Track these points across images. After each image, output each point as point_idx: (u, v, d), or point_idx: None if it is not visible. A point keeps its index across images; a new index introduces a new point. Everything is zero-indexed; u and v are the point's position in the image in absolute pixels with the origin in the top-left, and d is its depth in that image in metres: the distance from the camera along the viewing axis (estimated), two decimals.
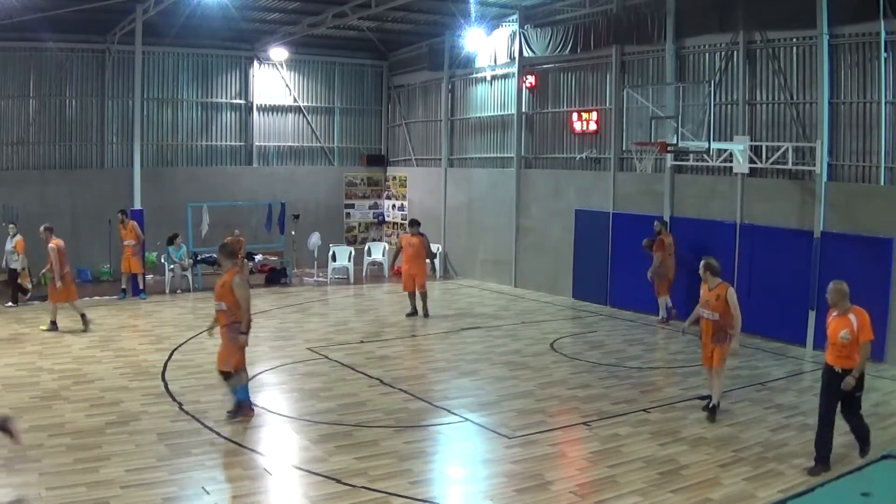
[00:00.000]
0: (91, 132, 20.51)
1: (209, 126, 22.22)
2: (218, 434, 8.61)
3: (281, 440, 8.76)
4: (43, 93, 19.97)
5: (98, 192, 19.83)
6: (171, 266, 18.71)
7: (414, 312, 15.79)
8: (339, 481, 7.39)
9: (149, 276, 18.87)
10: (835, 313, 7.72)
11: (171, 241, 18.77)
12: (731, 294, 9.06)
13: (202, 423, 8.89)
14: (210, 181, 21.55)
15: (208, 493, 7.08)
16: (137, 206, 18.52)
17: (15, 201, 18.73)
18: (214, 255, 18.78)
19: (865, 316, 7.59)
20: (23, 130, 19.78)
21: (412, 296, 15.89)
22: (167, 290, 18.38)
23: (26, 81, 19.78)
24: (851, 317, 7.52)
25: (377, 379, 11.11)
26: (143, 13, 17.79)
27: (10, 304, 16.10)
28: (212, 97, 22.16)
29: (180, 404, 9.64)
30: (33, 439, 8.25)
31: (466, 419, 9.42)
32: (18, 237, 16.10)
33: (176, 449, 8.11)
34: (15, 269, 16.18)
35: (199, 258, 19.17)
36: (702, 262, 9.36)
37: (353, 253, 21.39)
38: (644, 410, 9.73)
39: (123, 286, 17.53)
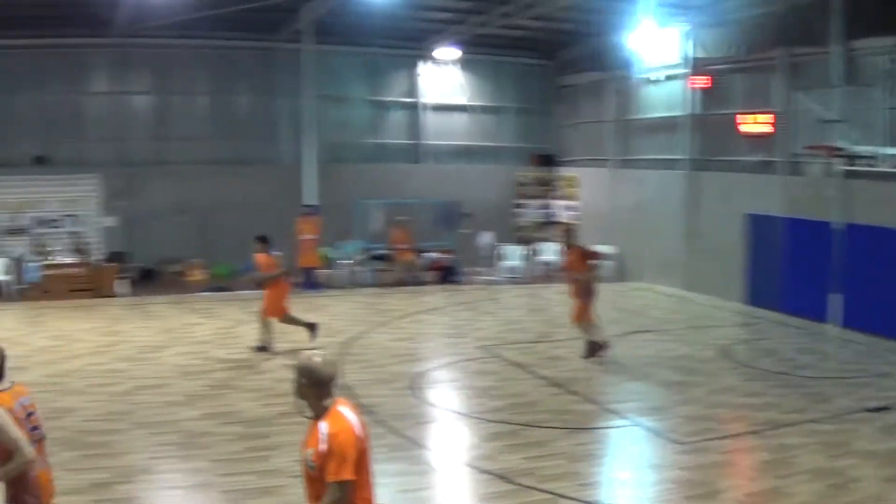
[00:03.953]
0: (263, 129, 23.73)
1: (379, 124, 25.21)
2: (388, 428, 9.82)
3: (451, 437, 9.92)
4: (214, 90, 23.37)
5: (271, 188, 22.82)
6: (345, 261, 21.39)
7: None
8: (507, 480, 8.28)
9: (322, 271, 21.54)
10: None
11: (343, 236, 21.36)
12: None
13: (373, 417, 10.10)
14: (380, 178, 24.12)
15: (376, 485, 8.65)
16: (311, 201, 21.40)
17: (187, 196, 22.29)
18: (385, 252, 22.11)
19: None
20: (196, 127, 23.27)
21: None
22: (341, 285, 21.14)
23: (198, 78, 23.29)
24: None
25: (547, 379, 12.33)
26: (312, 12, 20.23)
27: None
28: (381, 95, 25.09)
29: (353, 397, 10.78)
30: (205, 427, 9.82)
31: (636, 423, 10.28)
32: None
33: None
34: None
35: (371, 254, 21.87)
36: None
37: (523, 252, 23.39)
38: (814, 421, 10.30)
39: (297, 280, 19.83)
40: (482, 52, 25.11)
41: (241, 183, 22.86)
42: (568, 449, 9.43)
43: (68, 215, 22.19)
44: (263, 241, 14.63)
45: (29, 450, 5.35)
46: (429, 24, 22.81)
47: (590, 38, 23.37)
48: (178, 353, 14.07)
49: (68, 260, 20.61)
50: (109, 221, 22.08)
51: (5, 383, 5.72)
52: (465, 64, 25.58)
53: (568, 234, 14.71)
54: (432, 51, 24.56)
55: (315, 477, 5.01)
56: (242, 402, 11.12)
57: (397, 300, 19.75)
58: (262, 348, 14.25)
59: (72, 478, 8.33)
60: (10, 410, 5.45)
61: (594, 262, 13.93)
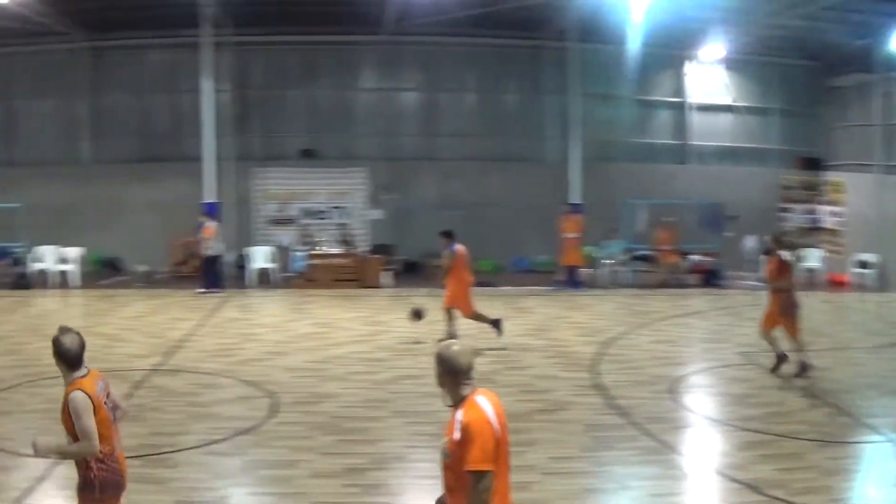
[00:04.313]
0: (529, 126, 24.54)
1: (645, 123, 25.41)
2: (642, 431, 9.98)
3: (704, 443, 9.96)
4: (482, 87, 24.49)
5: (537, 185, 23.58)
6: (608, 261, 21.62)
7: None
8: (757, 491, 8.25)
9: (584, 270, 21.90)
10: None
11: (607, 235, 21.61)
12: None
13: (628, 419, 10.37)
14: (645, 178, 24.26)
15: (627, 488, 8.38)
16: (576, 200, 21.84)
17: (453, 191, 23.55)
18: (648, 253, 22.17)
19: None
20: (463, 123, 24.46)
21: None
22: (603, 285, 21.45)
23: (465, 75, 24.49)
24: None
25: (804, 389, 12.03)
26: (578, 11, 20.69)
27: (201, 290, 20.72)
28: (647, 94, 25.26)
29: (609, 398, 11.30)
30: None
31: (892, 440, 9.93)
32: (208, 224, 20.68)
33: (600, 441, 9.59)
34: (211, 257, 20.75)
35: (634, 255, 21.97)
36: None
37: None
38: None
39: (559, 277, 20.71)
40: (747, 52, 24.74)
41: (507, 179, 23.88)
42: (821, 462, 9.24)
43: (336, 207, 23.64)
44: (448, 235, 15.35)
45: (95, 444, 5.87)
46: (695, 24, 22.67)
47: (857, 38, 22.28)
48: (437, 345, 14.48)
49: (334, 250, 21.90)
50: (376, 214, 23.61)
51: (83, 370, 6.18)
52: (731, 64, 25.38)
53: (777, 242, 13.81)
54: (698, 50, 24.45)
55: (448, 465, 5.15)
56: (501, 397, 11.23)
57: (659, 302, 19.83)
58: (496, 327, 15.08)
59: (327, 461, 9.12)
60: (94, 395, 5.97)
61: (788, 273, 13.10)
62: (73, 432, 5.87)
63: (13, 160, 25.94)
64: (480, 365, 12.52)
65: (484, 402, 5.15)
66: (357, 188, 24.05)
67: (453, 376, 5.22)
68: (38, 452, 6.02)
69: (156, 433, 10.27)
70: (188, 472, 9.12)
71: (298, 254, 22.30)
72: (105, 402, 6.12)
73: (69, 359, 6.14)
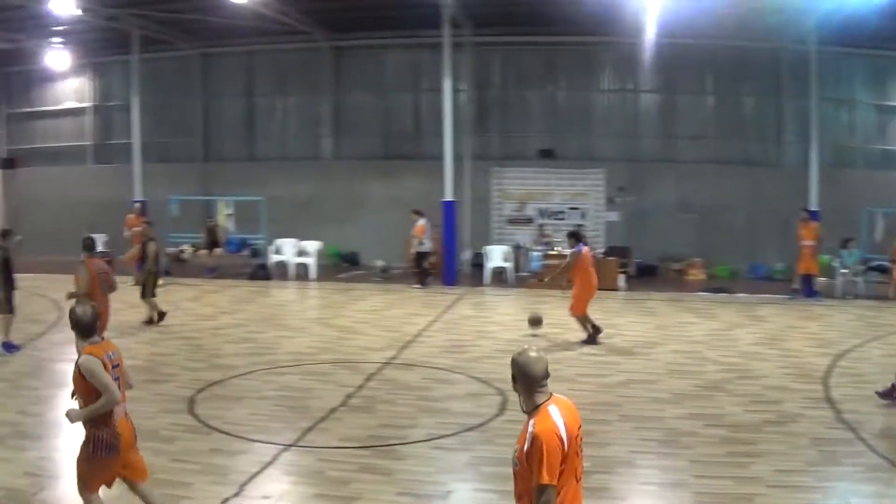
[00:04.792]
0: (767, 130, 24.22)
1: (885, 129, 24.50)
2: (869, 447, 9.77)
3: None
4: (720, 89, 24.39)
5: (774, 191, 23.23)
6: (844, 271, 20.90)
7: None
8: None
9: (820, 279, 21.25)
10: None
11: (844, 244, 20.87)
12: None
13: (857, 434, 10.18)
14: (885, 186, 23.29)
15: None
16: (813, 206, 21.36)
17: (691, 194, 23.56)
18: (886, 263, 21.07)
19: None
20: (701, 126, 24.44)
21: None
22: (838, 295, 20.76)
23: (704, 77, 24.54)
24: None
25: None
26: (816, 14, 20.31)
27: (417, 286, 21.66)
28: (887, 100, 24.34)
29: (838, 412, 11.11)
30: (690, 426, 10.42)
31: None
32: (419, 223, 21.47)
33: (827, 456, 9.47)
34: (422, 253, 21.60)
35: (870, 265, 21.15)
36: None
37: None
38: None
39: (795, 286, 20.29)
40: None
41: (744, 183, 23.72)
42: None
43: (573, 208, 23.97)
44: (575, 236, 16.36)
45: (116, 392, 6.95)
46: None
47: None
48: (670, 350, 15.07)
49: (569, 251, 21.99)
50: (612, 216, 23.89)
51: (96, 339, 7.24)
52: None
53: None
54: None
55: (517, 473, 5.29)
56: (729, 406, 11.62)
57: (894, 315, 18.83)
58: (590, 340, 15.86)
59: None
60: (101, 359, 7.03)
61: None
62: (85, 394, 6.99)
63: (256, 155, 28.45)
64: (710, 373, 12.60)
65: (556, 413, 5.27)
66: (594, 189, 24.43)
67: (527, 383, 5.41)
68: (73, 420, 7.05)
69: (385, 425, 10.91)
70: (414, 464, 9.57)
71: (535, 254, 22.82)
72: (111, 371, 7.13)
73: (82, 327, 7.21)
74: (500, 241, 24.65)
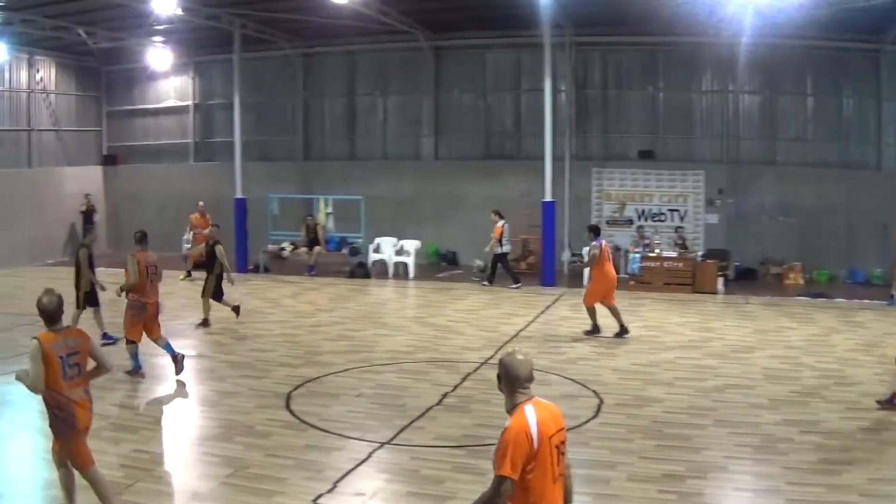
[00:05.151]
0: (867, 132, 24.28)
1: None
2: None
3: None
4: (820, 91, 24.51)
5: (873, 194, 23.34)
6: None
7: None
8: None
9: None
10: None
11: None
12: None
13: None
14: None
15: None
16: None
17: (791, 197, 23.85)
18: None
19: None
20: (800, 128, 24.67)
21: None
22: None
23: (805, 79, 24.64)
24: None
25: None
26: None
27: (513, 285, 22.54)
28: None
29: None
30: (784, 432, 10.70)
31: None
32: (499, 223, 22.21)
33: None
34: (500, 254, 22.48)
35: None
36: None
37: None
38: None
39: (893, 292, 20.37)
40: None
41: (844, 187, 23.86)
42: None
43: (672, 209, 24.16)
44: (594, 230, 17.41)
45: (38, 383, 7.77)
46: None
47: None
48: (767, 355, 15.37)
49: (668, 253, 22.35)
50: (712, 218, 24.23)
51: (60, 325, 8.04)
52: None
53: None
54: None
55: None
56: (825, 413, 11.92)
57: None
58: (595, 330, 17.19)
59: (646, 466, 9.73)
60: (46, 347, 7.77)
61: None
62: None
63: (356, 154, 29.48)
64: (807, 378, 12.93)
65: (530, 413, 5.64)
66: (694, 191, 24.72)
67: (510, 383, 5.77)
68: (18, 378, 8.00)
69: (481, 424, 11.30)
70: None
71: (634, 255, 23.23)
72: (60, 356, 7.87)
73: (46, 315, 8.03)
74: None
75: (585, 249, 18.30)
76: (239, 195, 26.84)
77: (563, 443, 5.86)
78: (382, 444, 10.54)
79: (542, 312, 19.64)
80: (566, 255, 24.98)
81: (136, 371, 14.35)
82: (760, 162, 24.71)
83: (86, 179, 32.24)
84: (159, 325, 14.48)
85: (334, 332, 17.67)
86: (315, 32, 27.41)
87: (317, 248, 25.79)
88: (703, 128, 25.26)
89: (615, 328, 16.94)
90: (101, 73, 33.63)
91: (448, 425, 11.33)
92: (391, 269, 25.63)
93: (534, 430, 5.58)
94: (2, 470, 9.23)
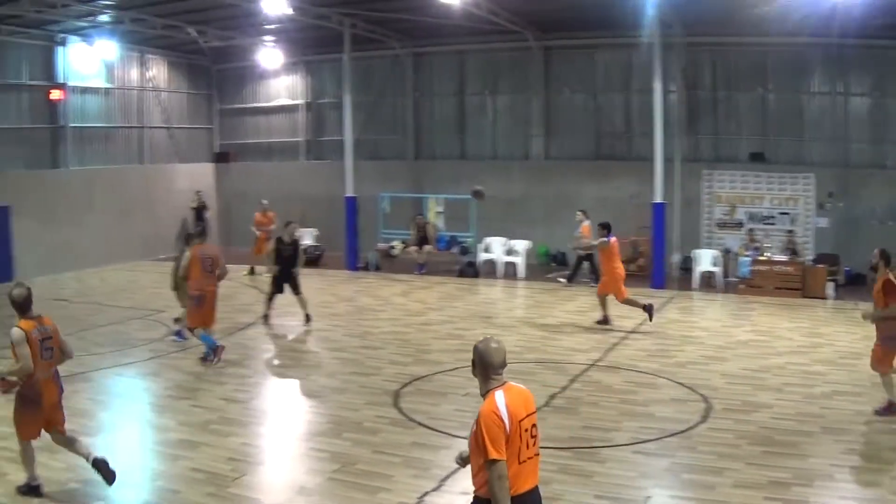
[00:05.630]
0: None
1: None
2: None
3: None
4: None
5: None
6: None
7: None
8: None
9: None
10: None
11: None
12: None
13: None
14: None
15: None
16: None
17: None
18: None
19: None
20: None
21: None
22: None
23: None
24: None
25: None
26: None
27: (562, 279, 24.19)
28: None
29: None
30: (891, 441, 10.98)
31: None
32: (586, 223, 23.04)
33: None
34: (585, 254, 23.29)
35: None
36: None
37: None
38: None
39: None
40: None
41: None
42: None
43: (783, 213, 24.50)
44: (605, 227, 19.09)
45: (28, 363, 9.17)
46: None
47: None
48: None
49: (779, 257, 22.78)
50: (822, 222, 24.83)
51: (33, 314, 9.49)
52: None
53: (881, 255, 12.93)
54: None
55: (472, 451, 6.15)
56: None
57: None
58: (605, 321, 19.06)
59: (752, 472, 10.03)
60: (28, 332, 9.24)
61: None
62: (14, 358, 9.28)
63: (466, 154, 30.50)
64: None
65: (500, 397, 6.07)
66: (804, 194, 25.11)
67: (484, 369, 6.21)
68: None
69: (588, 427, 11.80)
70: (614, 468, 10.27)
71: (744, 259, 23.53)
72: (39, 340, 9.35)
73: (17, 305, 9.50)
74: (708, 245, 25.64)
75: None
76: (350, 193, 27.99)
77: (534, 426, 6.27)
78: None
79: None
80: (676, 258, 25.50)
81: (211, 353, 15.73)
82: (871, 165, 24.90)
83: (197, 176, 34.00)
84: (213, 312, 16.10)
85: (443, 331, 18.44)
86: (425, 32, 28.46)
87: (427, 247, 26.92)
88: (813, 130, 25.53)
89: (593, 318, 19.22)
90: (213, 71, 35.37)
91: (555, 426, 11.65)
92: (501, 269, 26.36)
93: (504, 413, 6.01)
94: (111, 461, 9.86)
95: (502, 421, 5.98)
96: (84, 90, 30.19)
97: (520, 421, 6.09)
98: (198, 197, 32.42)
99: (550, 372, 14.89)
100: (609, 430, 11.63)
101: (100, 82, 30.82)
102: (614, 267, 18.78)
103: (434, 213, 27.72)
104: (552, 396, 13.25)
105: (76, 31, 28.84)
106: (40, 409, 9.48)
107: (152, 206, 31.15)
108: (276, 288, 19.46)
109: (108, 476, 9.55)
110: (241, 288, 22.34)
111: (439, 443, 11.13)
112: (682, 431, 11.54)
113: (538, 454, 6.33)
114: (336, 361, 16.18)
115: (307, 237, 30.23)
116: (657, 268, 23.88)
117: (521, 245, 26.42)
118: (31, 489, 9.57)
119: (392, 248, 28.08)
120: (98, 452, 9.69)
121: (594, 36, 27.35)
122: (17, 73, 27.98)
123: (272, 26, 28.16)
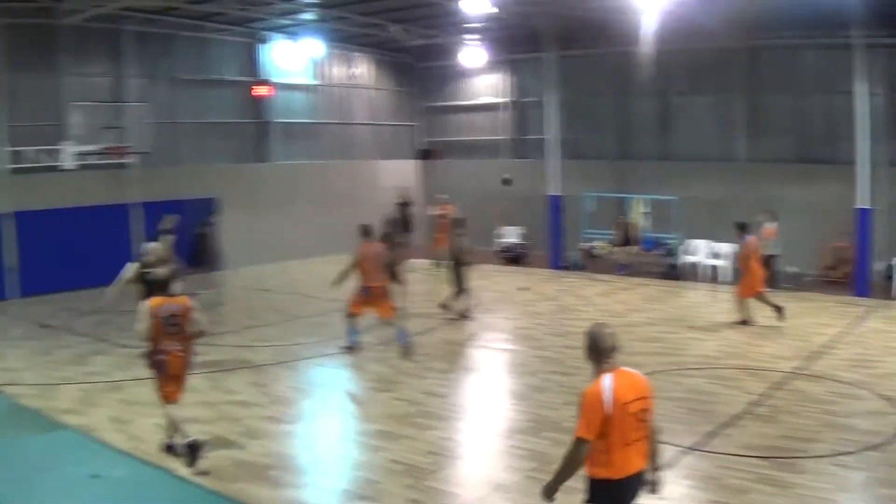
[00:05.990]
0: None
1: None
2: None
3: None
4: None
5: None
6: None
7: None
8: None
9: None
10: None
11: None
12: None
13: None
14: None
15: None
16: None
17: None
18: None
19: None
20: None
21: None
22: None
23: None
24: None
25: None
26: None
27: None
28: None
29: None
30: None
31: None
32: (768, 225, 23.22)
33: None
34: (769, 255, 22.91)
35: None
36: None
37: None
38: None
39: None
40: None
41: None
42: None
43: None
44: (742, 227, 20.15)
45: (141, 332, 11.14)
46: None
47: None
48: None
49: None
50: None
51: (169, 292, 11.30)
52: None
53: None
54: None
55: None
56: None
57: None
58: (743, 322, 19.85)
59: None
60: (154, 308, 11.15)
61: None
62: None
63: (670, 154, 31.14)
64: None
65: (607, 381, 6.53)
66: None
67: (596, 354, 6.75)
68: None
69: (787, 437, 11.95)
70: (812, 479, 10.36)
71: None
72: (162, 316, 11.14)
73: (156, 284, 12.21)
74: None
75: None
76: (553, 192, 29.13)
77: (643, 410, 6.73)
78: (688, 450, 11.25)
79: (855, 324, 20.09)
80: (880, 265, 25.42)
81: (352, 346, 17.50)
82: None
83: (400, 173, 36.11)
84: (391, 308, 17.37)
85: (644, 333, 18.87)
86: (625, 31, 28.47)
87: (630, 248, 27.64)
88: None
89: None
90: (416, 68, 37.18)
91: (755, 435, 11.97)
92: (704, 273, 26.95)
93: (607, 397, 6.47)
94: (311, 449, 11.20)
95: (602, 403, 6.46)
96: (289, 87, 32.71)
97: (625, 404, 6.55)
98: (401, 194, 34.07)
99: (752, 378, 15.14)
100: (808, 441, 11.77)
101: (304, 79, 33.17)
102: (753, 267, 19.77)
103: (638, 213, 28.41)
104: (752, 404, 13.51)
105: (280, 29, 31.28)
106: (167, 377, 11.34)
107: (355, 202, 32.87)
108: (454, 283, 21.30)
109: (192, 460, 11.03)
110: (442, 286, 23.21)
111: None
112: (881, 445, 11.59)
113: (646, 437, 6.80)
114: (538, 360, 16.93)
115: (512, 235, 31.53)
116: (860, 275, 23.96)
117: (725, 248, 26.50)
118: (190, 448, 11.12)
119: (594, 247, 28.95)
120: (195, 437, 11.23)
121: (798, 36, 27.44)
122: (222, 69, 30.52)
123: (475, 25, 29.51)
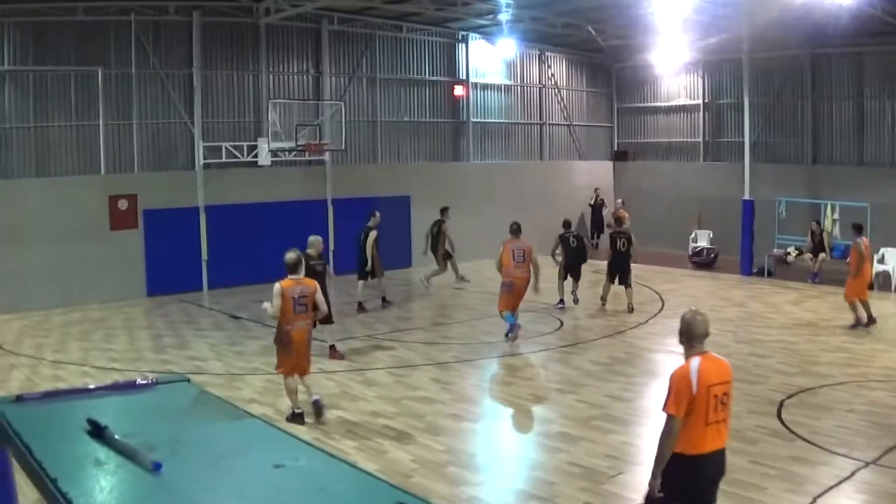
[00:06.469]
0: None
1: None
2: None
3: None
4: None
5: None
6: None
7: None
8: None
9: None
10: None
11: None
12: None
13: None
14: None
15: None
16: None
17: None
18: None
19: None
20: None
21: None
22: None
23: None
24: None
25: None
26: None
27: None
28: None
29: None
30: None
31: None
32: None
33: None
34: None
35: None
36: None
37: None
38: None
39: None
40: None
41: None
42: None
43: None
44: (856, 228, 20.99)
45: (271, 310, 12.70)
46: None
47: None
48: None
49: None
50: None
51: (298, 275, 12.89)
52: None
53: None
54: None
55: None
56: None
57: None
58: (855, 326, 20.33)
59: None
60: (286, 289, 12.64)
61: None
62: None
63: (864, 159, 31.01)
64: None
65: (695, 363, 7.05)
66: None
67: (688, 338, 7.27)
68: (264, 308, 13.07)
69: None
70: None
71: None
72: (293, 297, 12.67)
73: (287, 266, 12.85)
74: None
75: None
76: (747, 196, 29.67)
77: (725, 394, 7.23)
78: (867, 464, 10.99)
79: None
80: None
81: (511, 331, 18.93)
82: None
83: (596, 174, 37.23)
84: (519, 299, 19.11)
85: (832, 343, 18.83)
86: (822, 33, 28.82)
87: (821, 255, 27.91)
88: None
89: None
90: (612, 70, 37.98)
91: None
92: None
93: (693, 378, 7.00)
94: (490, 448, 11.85)
95: (689, 383, 7.02)
96: (485, 87, 34.23)
97: (709, 386, 7.07)
98: (596, 194, 35.17)
99: None
100: None
101: (500, 79, 34.43)
102: (863, 268, 20.43)
103: (830, 220, 28.41)
104: None
105: (477, 30, 32.91)
106: (291, 352, 12.94)
107: (551, 202, 34.18)
108: (608, 278, 23.07)
109: (319, 414, 13.26)
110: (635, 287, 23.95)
111: (818, 458, 11.31)
112: None
113: (726, 420, 7.33)
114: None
115: (704, 239, 32.00)
116: None
117: None
118: (295, 416, 13.07)
119: (787, 254, 29.11)
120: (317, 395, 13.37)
121: None
122: (422, 69, 32.14)
123: (670, 25, 29.80)
